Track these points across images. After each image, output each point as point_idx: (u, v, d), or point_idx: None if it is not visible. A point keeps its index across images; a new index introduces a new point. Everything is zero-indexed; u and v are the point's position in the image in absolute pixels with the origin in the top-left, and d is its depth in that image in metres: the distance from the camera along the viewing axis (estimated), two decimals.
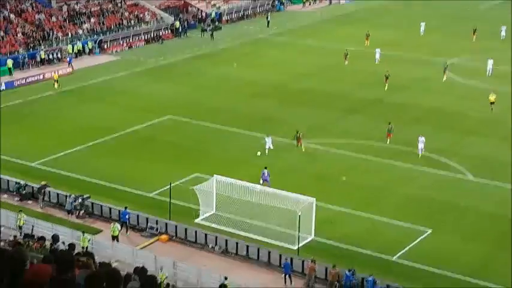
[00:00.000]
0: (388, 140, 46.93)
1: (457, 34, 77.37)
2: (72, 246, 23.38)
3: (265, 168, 40.97)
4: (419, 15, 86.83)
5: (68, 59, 65.40)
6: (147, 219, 37.23)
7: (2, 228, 33.93)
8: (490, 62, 61.98)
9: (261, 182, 40.04)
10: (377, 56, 66.04)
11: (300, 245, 34.36)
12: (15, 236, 30.45)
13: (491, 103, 52.52)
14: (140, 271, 11.63)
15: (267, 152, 44.88)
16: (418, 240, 35.66)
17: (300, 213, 34.28)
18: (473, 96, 57.18)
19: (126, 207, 37.26)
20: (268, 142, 45.18)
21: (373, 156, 45.18)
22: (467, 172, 43.15)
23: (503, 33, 75.36)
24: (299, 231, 34.13)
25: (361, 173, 43.10)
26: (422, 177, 42.78)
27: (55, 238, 21.61)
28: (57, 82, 57.88)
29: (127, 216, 36.97)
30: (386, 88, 56.97)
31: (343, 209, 38.46)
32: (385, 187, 41.08)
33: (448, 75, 60.58)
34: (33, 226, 35.05)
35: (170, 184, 37.69)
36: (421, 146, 44.81)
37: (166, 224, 36.81)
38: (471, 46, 72.34)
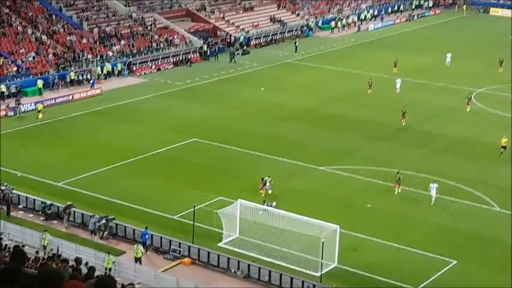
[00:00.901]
0: (396, 189, 43.47)
1: (486, 63, 76.73)
2: (92, 269, 23.47)
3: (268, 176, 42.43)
4: (449, 42, 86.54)
5: (92, 81, 65.90)
6: (170, 241, 37.25)
7: (26, 248, 34.16)
8: None
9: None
10: (397, 85, 64.81)
11: (323, 271, 34.12)
12: (40, 257, 30.62)
13: (503, 147, 49.23)
14: None
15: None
16: (443, 271, 35.22)
17: (323, 240, 34.08)
18: (501, 126, 56.64)
19: (146, 227, 37.32)
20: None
21: (400, 185, 44.79)
22: (493, 203, 42.62)
23: None
24: (322, 258, 33.91)
25: (386, 201, 42.78)
26: (448, 206, 42.33)
27: (78, 261, 21.68)
28: (41, 112, 56.63)
29: (146, 236, 37.01)
30: (403, 124, 55.38)
31: (368, 237, 38.15)
32: (410, 216, 40.74)
33: (472, 105, 59.96)
34: (58, 247, 35.23)
35: (194, 207, 37.75)
36: (433, 192, 41.82)
37: (189, 247, 36.78)
38: (499, 77, 71.46)
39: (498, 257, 36.89)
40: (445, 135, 54.44)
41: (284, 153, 49.44)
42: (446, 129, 55.84)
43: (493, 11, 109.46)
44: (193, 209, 37.54)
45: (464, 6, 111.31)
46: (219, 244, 36.97)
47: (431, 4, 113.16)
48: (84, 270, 21.40)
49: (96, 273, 18.37)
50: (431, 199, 41.96)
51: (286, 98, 63.36)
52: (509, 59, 75.64)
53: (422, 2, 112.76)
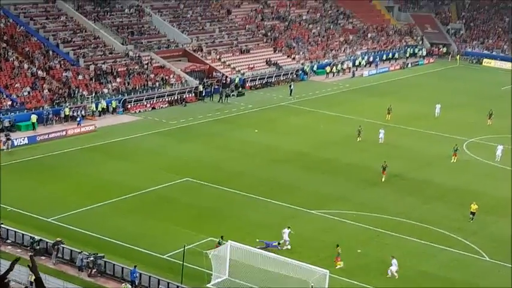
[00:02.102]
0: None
1: (478, 113, 77.21)
2: None
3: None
4: (442, 91, 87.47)
5: (79, 119, 65.44)
6: (158, 280, 36.97)
7: (12, 283, 33.85)
8: (500, 148, 60.94)
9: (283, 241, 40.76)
10: (380, 135, 64.34)
11: None
12: None
13: (472, 213, 47.17)
14: None
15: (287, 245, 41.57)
16: None
17: (312, 284, 33.93)
18: (491, 176, 57.01)
19: (135, 266, 37.12)
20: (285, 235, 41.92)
21: (390, 231, 44.86)
22: (483, 252, 42.63)
23: None
24: None
25: (377, 247, 42.75)
26: (438, 255, 42.31)
27: None
28: None
29: (135, 275, 36.77)
30: (383, 180, 53.79)
31: (357, 283, 38.02)
32: (400, 263, 40.59)
33: (459, 156, 59.82)
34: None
35: (184, 247, 37.61)
36: (393, 268, 38.84)
37: (177, 286, 36.52)
38: (488, 128, 71.67)
39: None
40: (436, 183, 54.64)
41: (276, 195, 49.51)
42: (437, 177, 56.08)
43: (486, 62, 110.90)
44: (183, 249, 37.40)
45: (458, 56, 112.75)
46: (208, 285, 36.75)
47: (425, 53, 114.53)
48: None
49: None
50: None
51: (279, 141, 63.64)
52: (500, 110, 76.36)
53: (416, 51, 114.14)
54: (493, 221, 47.80)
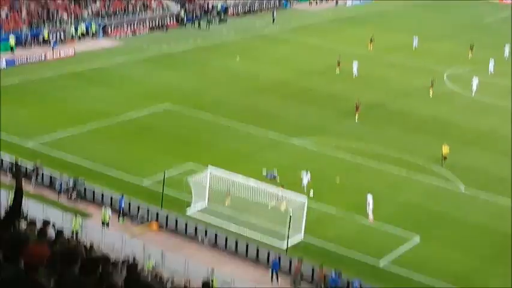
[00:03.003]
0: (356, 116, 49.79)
1: (461, 45, 76.81)
2: (60, 233, 23.40)
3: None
4: (425, 23, 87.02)
5: (53, 42, 64.36)
6: (138, 207, 37.27)
7: None
8: (475, 81, 60.17)
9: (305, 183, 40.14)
10: (354, 69, 62.93)
11: (290, 244, 34.45)
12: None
13: (444, 157, 45.03)
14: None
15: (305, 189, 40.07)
16: (406, 247, 35.79)
17: (291, 212, 34.36)
18: (469, 108, 57.33)
19: (122, 195, 37.22)
20: (305, 179, 40.51)
21: (370, 160, 45.25)
22: (460, 183, 43.25)
23: (506, 53, 72.73)
24: (289, 230, 34.21)
25: (355, 176, 43.18)
26: (416, 185, 42.87)
27: (45, 223, 21.54)
28: None
29: (123, 204, 36.94)
30: (357, 120, 51.77)
31: (335, 211, 38.55)
32: (378, 192, 41.07)
33: (434, 90, 58.92)
34: (25, 207, 34.98)
35: (164, 173, 37.78)
36: (369, 208, 38.10)
37: (157, 213, 36.86)
38: (469, 61, 71.11)
39: (460, 236, 37.54)
40: (415, 115, 54.87)
41: (256, 123, 49.55)
42: (417, 108, 56.28)
43: None
44: (163, 176, 37.57)
45: None
46: (188, 211, 37.08)
47: None
48: (52, 232, 21.35)
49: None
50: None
51: (260, 69, 63.29)
52: (483, 42, 76.23)
53: None
54: (470, 153, 48.28)
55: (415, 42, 74.84)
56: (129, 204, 37.34)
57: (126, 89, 55.65)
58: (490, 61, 66.26)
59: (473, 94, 59.94)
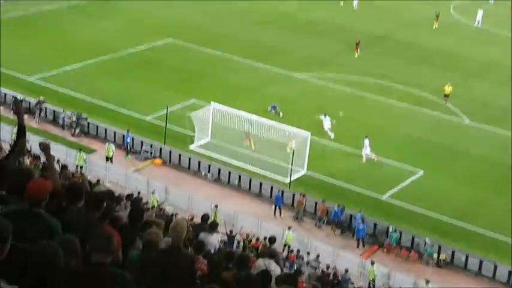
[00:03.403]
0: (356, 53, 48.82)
1: None
2: (64, 167, 23.55)
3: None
4: None
5: None
6: (141, 142, 37.35)
7: None
8: (480, 13, 59.37)
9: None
10: (354, 3, 62.07)
11: (292, 178, 34.59)
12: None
13: (446, 96, 44.12)
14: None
15: (330, 134, 38.97)
16: (409, 180, 35.92)
17: (294, 147, 34.39)
18: (474, 39, 56.62)
19: (128, 130, 37.18)
20: (326, 123, 39.34)
21: (374, 94, 44.99)
22: (464, 116, 43.08)
23: None
24: (292, 164, 34.29)
25: (359, 110, 42.94)
26: (420, 118, 42.70)
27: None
28: None
29: (128, 140, 36.96)
30: (357, 56, 50.70)
31: (338, 145, 38.55)
32: (382, 126, 41.05)
33: (439, 22, 58.36)
34: (29, 142, 35.05)
35: (167, 108, 37.69)
36: (366, 151, 37.29)
37: (160, 148, 36.96)
38: None
39: (463, 169, 37.61)
40: (420, 46, 54.22)
41: (259, 58, 49.10)
42: (422, 39, 55.59)
43: None
44: (166, 111, 37.50)
45: None
46: (191, 147, 37.13)
47: None
48: (56, 167, 21.45)
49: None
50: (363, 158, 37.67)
51: (264, 1, 62.21)
52: None
53: None
54: (476, 85, 47.93)
55: None
56: (133, 139, 37.39)
57: (129, 22, 54.98)
58: None
59: (478, 24, 59.18)
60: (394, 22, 58.95)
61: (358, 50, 51.20)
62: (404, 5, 63.66)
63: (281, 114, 40.44)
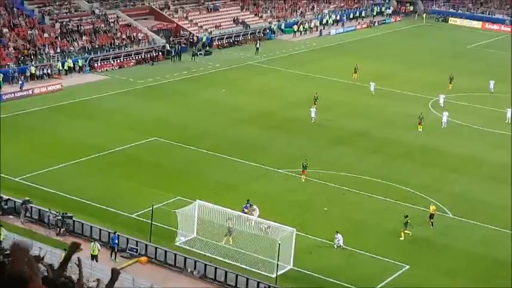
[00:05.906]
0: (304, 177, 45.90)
1: (444, 72, 77.38)
2: (51, 266, 23.53)
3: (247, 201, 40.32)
4: (408, 50, 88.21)
5: (21, 82, 63.16)
6: (127, 239, 37.37)
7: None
8: (445, 115, 59.32)
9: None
10: (372, 88, 67.16)
11: (278, 273, 34.63)
12: None
13: (431, 216, 41.58)
14: None
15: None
16: (395, 275, 36.02)
17: (280, 242, 34.60)
18: (457, 134, 57.95)
19: (115, 232, 37.25)
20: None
21: (356, 189, 45.60)
22: (447, 210, 43.65)
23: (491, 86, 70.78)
24: (278, 259, 34.42)
25: (342, 205, 43.49)
26: (403, 213, 43.05)
27: (37, 258, 21.63)
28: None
29: (116, 241, 37.00)
30: (303, 180, 46.51)
31: (323, 240, 38.78)
32: (365, 220, 41.49)
33: (423, 126, 57.83)
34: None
35: (152, 206, 37.97)
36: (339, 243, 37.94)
37: (146, 245, 36.97)
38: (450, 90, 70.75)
39: (448, 262, 37.84)
40: (400, 142, 55.35)
41: (243, 155, 49.90)
42: (402, 136, 56.79)
43: (452, 21, 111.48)
44: (151, 208, 37.76)
45: (424, 14, 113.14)
46: (176, 243, 37.22)
47: (391, 11, 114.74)
48: (42, 268, 21.52)
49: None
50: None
51: (246, 100, 63.79)
52: (464, 68, 77.21)
53: (383, 9, 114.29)
54: (456, 179, 48.78)
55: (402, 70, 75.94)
56: (118, 237, 37.40)
57: (113, 122, 55.94)
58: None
59: (444, 125, 59.15)
60: (372, 119, 60.20)
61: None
62: (382, 103, 65.39)
63: (254, 210, 39.72)
